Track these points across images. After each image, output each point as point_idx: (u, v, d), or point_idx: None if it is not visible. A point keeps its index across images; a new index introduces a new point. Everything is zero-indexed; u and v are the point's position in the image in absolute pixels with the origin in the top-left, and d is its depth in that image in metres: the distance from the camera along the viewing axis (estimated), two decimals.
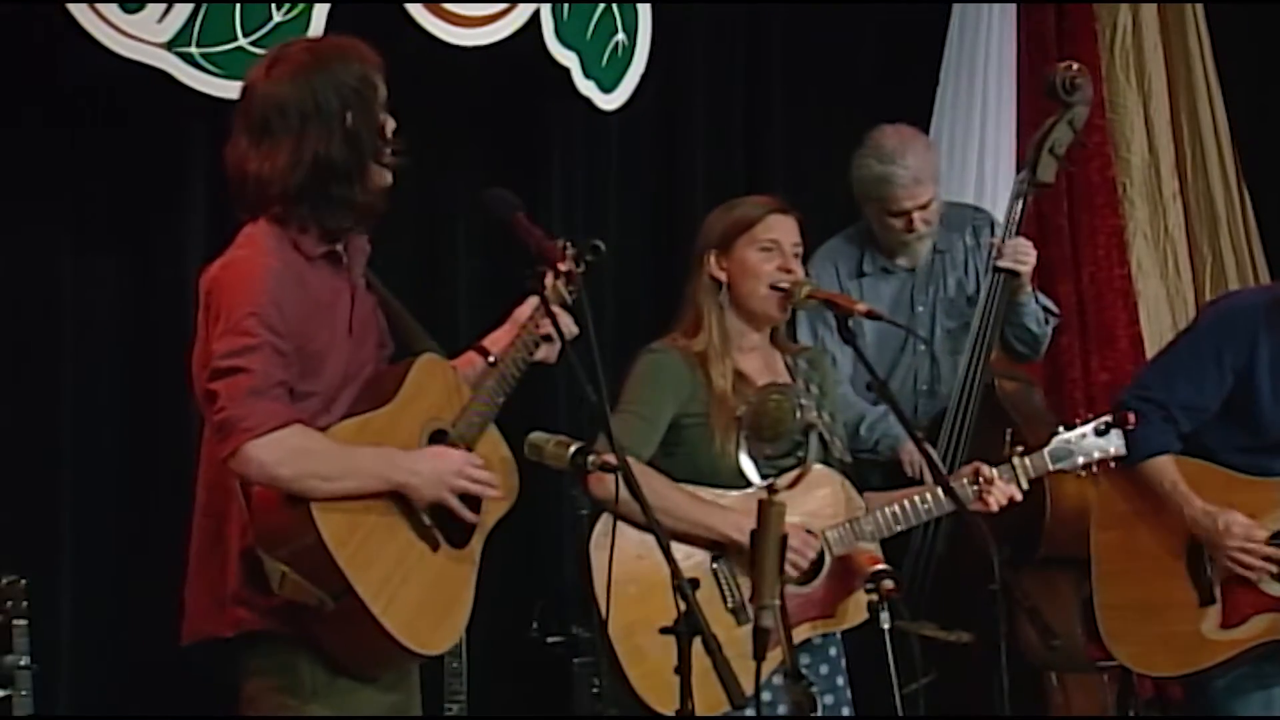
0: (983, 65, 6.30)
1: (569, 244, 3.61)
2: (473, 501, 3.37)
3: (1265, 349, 4.08)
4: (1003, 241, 4.99)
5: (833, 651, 3.98)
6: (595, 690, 4.75)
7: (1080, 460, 3.95)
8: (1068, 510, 4.09)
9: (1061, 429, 3.97)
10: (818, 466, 3.91)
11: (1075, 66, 5.20)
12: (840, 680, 3.99)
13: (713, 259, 4.03)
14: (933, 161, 5.10)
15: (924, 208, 5.05)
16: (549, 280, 3.47)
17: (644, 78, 5.34)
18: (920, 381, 5.08)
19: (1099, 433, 3.91)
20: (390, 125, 3.36)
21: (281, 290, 3.24)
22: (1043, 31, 6.52)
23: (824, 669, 3.96)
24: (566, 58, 5.11)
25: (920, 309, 5.11)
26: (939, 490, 3.87)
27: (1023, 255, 4.98)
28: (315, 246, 3.33)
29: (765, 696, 3.76)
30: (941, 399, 5.02)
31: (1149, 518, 4.13)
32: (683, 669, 3.03)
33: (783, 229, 4.00)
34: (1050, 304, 5.26)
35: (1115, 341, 6.53)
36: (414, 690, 3.48)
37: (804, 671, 3.89)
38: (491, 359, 3.56)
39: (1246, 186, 6.60)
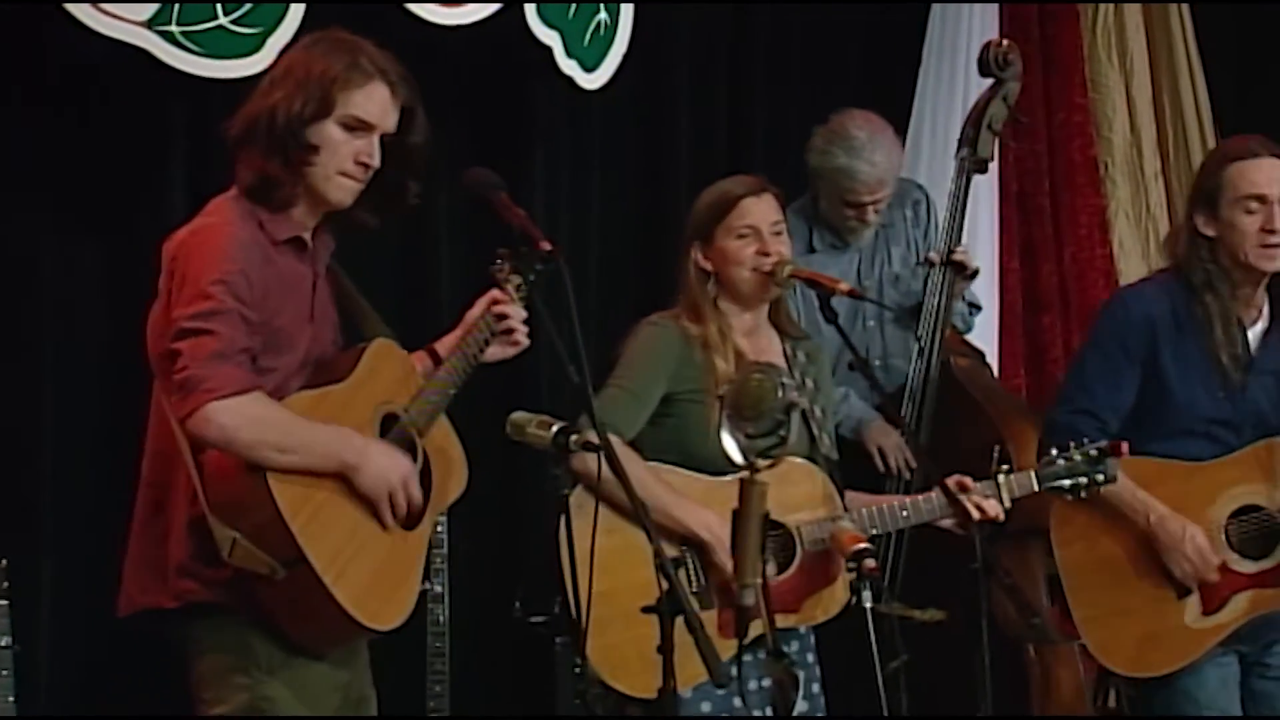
0: (965, 47, 6.29)
1: (518, 251, 3.59)
2: (425, 484, 3.39)
3: (1165, 335, 4.10)
4: (950, 234, 5.00)
5: (802, 629, 3.99)
6: (577, 669, 4.75)
7: (1068, 484, 3.98)
8: None
9: (1054, 451, 3.99)
10: (799, 461, 3.92)
11: (1005, 42, 5.24)
12: (810, 657, 4.01)
13: (698, 250, 4.04)
14: (897, 159, 5.11)
15: (878, 203, 5.06)
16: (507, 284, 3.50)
17: (626, 57, 5.32)
18: (873, 356, 5.11)
19: (1090, 460, 3.94)
20: (367, 156, 3.33)
21: (249, 261, 3.25)
22: (1025, 13, 6.52)
23: (794, 645, 3.97)
24: (548, 37, 5.09)
25: (867, 284, 5.13)
26: (919, 499, 3.89)
27: (970, 255, 5.04)
28: (282, 230, 3.33)
29: (752, 685, 3.79)
30: (895, 372, 5.05)
31: (1109, 525, 4.13)
32: (665, 648, 3.05)
33: (758, 211, 4.00)
34: (976, 298, 5.33)
35: (1081, 341, 6.53)
36: (363, 669, 3.49)
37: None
38: (440, 362, 3.57)
39: None
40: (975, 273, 5.10)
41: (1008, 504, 3.96)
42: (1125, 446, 3.93)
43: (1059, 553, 4.22)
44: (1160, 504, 4.08)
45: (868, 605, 3.65)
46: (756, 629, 3.31)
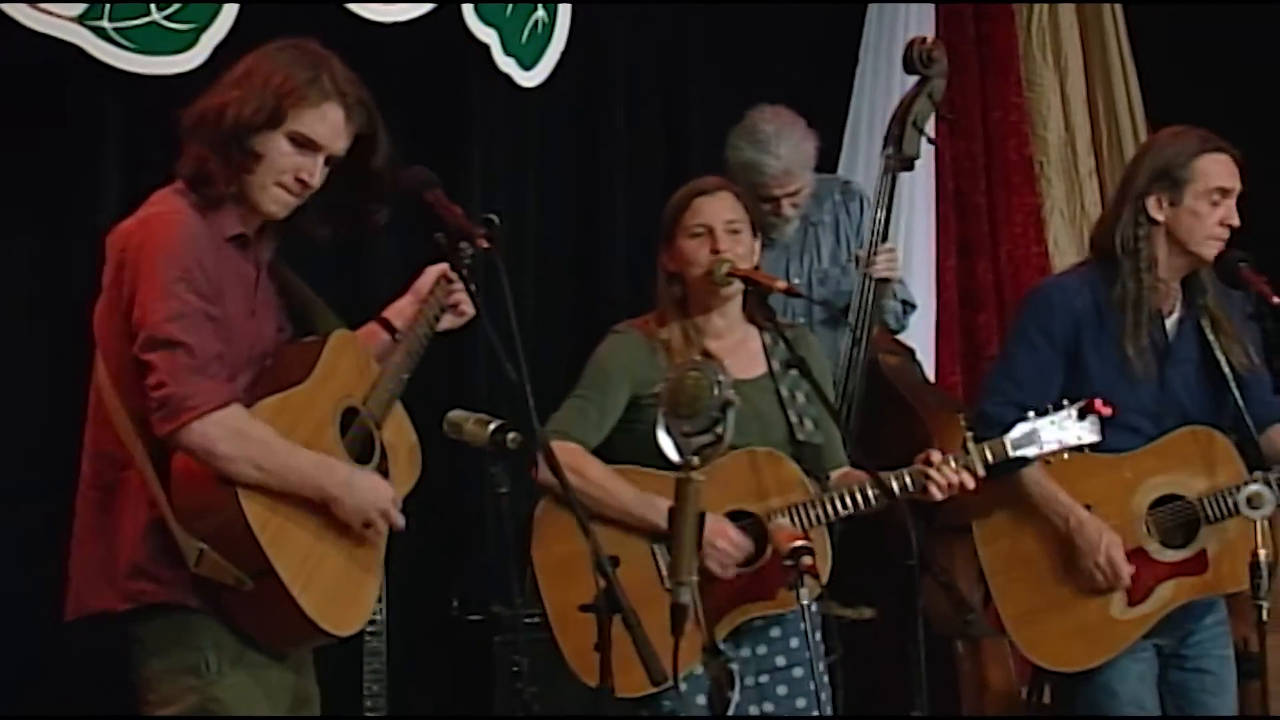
0: (901, 44, 6.30)
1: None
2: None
3: (1086, 324, 4.13)
4: (875, 232, 5.02)
5: (802, 625, 3.98)
6: (515, 669, 4.74)
7: (1045, 448, 3.95)
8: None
9: (1031, 414, 3.97)
10: (761, 449, 3.93)
11: (929, 40, 5.26)
12: (795, 642, 3.99)
13: (663, 253, 4.05)
14: (806, 151, 5.11)
15: (793, 194, 5.08)
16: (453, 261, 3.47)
17: (564, 55, 5.33)
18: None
19: (1072, 420, 3.93)
20: (307, 175, 3.31)
21: (202, 252, 3.24)
22: (960, 12, 6.56)
23: (794, 642, 3.97)
24: (486, 34, 5.09)
25: (796, 280, 5.16)
26: (889, 479, 3.88)
27: (895, 264, 5.04)
28: (228, 228, 3.31)
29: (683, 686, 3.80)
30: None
31: (1032, 521, 4.15)
32: (602, 646, 3.04)
33: (710, 210, 4.00)
34: (910, 296, 5.34)
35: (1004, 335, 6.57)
36: (309, 668, 3.48)
37: (768, 645, 3.95)
38: (397, 335, 3.55)
39: None
40: (891, 280, 5.10)
41: (981, 472, 3.93)
42: (1100, 403, 3.92)
43: (982, 550, 4.23)
44: (1080, 508, 4.11)
45: (805, 602, 3.66)
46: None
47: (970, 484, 3.91)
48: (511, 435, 3.35)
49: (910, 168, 5.20)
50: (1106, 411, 3.92)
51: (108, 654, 3.36)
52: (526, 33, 5.19)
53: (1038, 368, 4.13)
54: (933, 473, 3.87)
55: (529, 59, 5.24)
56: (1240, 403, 4.08)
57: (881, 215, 5.07)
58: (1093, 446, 3.96)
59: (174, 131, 3.36)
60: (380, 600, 4.57)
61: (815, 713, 3.95)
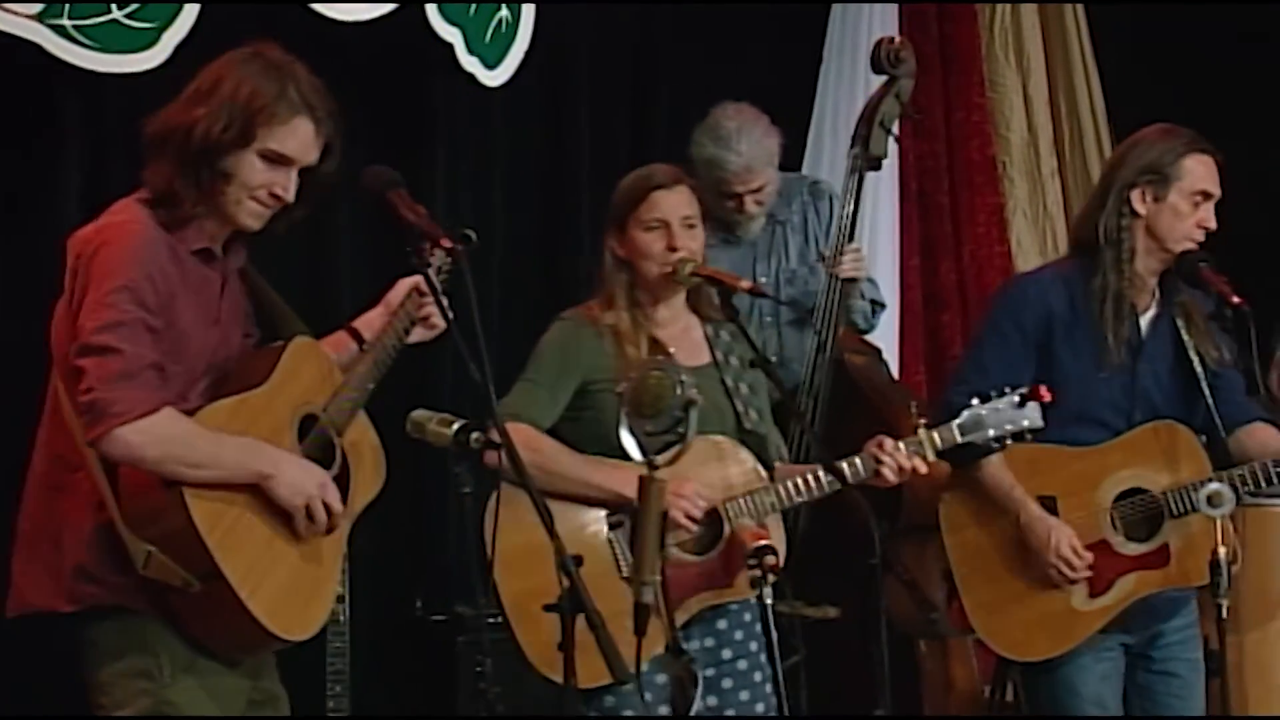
0: (865, 46, 6.32)
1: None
2: (342, 486, 3.37)
3: (1059, 319, 4.15)
4: (842, 232, 5.03)
5: (747, 617, 3.99)
6: (479, 669, 4.74)
7: (992, 433, 3.96)
8: (922, 484, 4.13)
9: (975, 400, 3.99)
10: (718, 438, 3.93)
11: (897, 40, 5.27)
12: (754, 645, 4.00)
13: (613, 238, 4.03)
14: (768, 147, 5.10)
15: (756, 191, 5.08)
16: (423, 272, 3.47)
17: (528, 54, 5.32)
18: (770, 351, 5.14)
19: (1015, 406, 3.95)
20: (281, 189, 3.30)
21: (155, 264, 3.21)
22: (923, 12, 6.58)
23: (738, 634, 3.97)
24: (449, 34, 5.08)
25: (763, 279, 5.16)
26: (841, 465, 3.89)
27: (861, 263, 5.04)
28: (191, 241, 3.30)
29: (662, 679, 3.79)
30: (791, 369, 5.08)
31: (993, 511, 4.18)
32: (566, 645, 3.04)
33: (668, 205, 3.99)
34: (880, 295, 5.35)
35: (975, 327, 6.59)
36: (271, 669, 3.46)
37: (716, 637, 3.94)
38: (364, 346, 3.55)
39: None
40: (858, 280, 5.10)
41: (932, 457, 3.95)
42: (1046, 391, 3.94)
43: (948, 540, 4.25)
44: (1032, 505, 4.13)
45: (768, 601, 3.67)
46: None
47: (923, 469, 3.93)
48: (475, 435, 3.34)
49: (877, 167, 5.22)
50: (1048, 398, 3.94)
51: (51, 652, 3.35)
52: (490, 32, 5.19)
53: (1006, 359, 4.15)
54: (884, 457, 3.88)
55: (493, 58, 5.23)
56: (1210, 401, 4.10)
57: (848, 215, 5.08)
58: (1035, 432, 3.97)
59: (135, 132, 3.34)
60: (344, 601, 4.57)
61: (759, 706, 3.97)
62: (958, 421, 3.96)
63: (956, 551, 4.24)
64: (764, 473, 3.98)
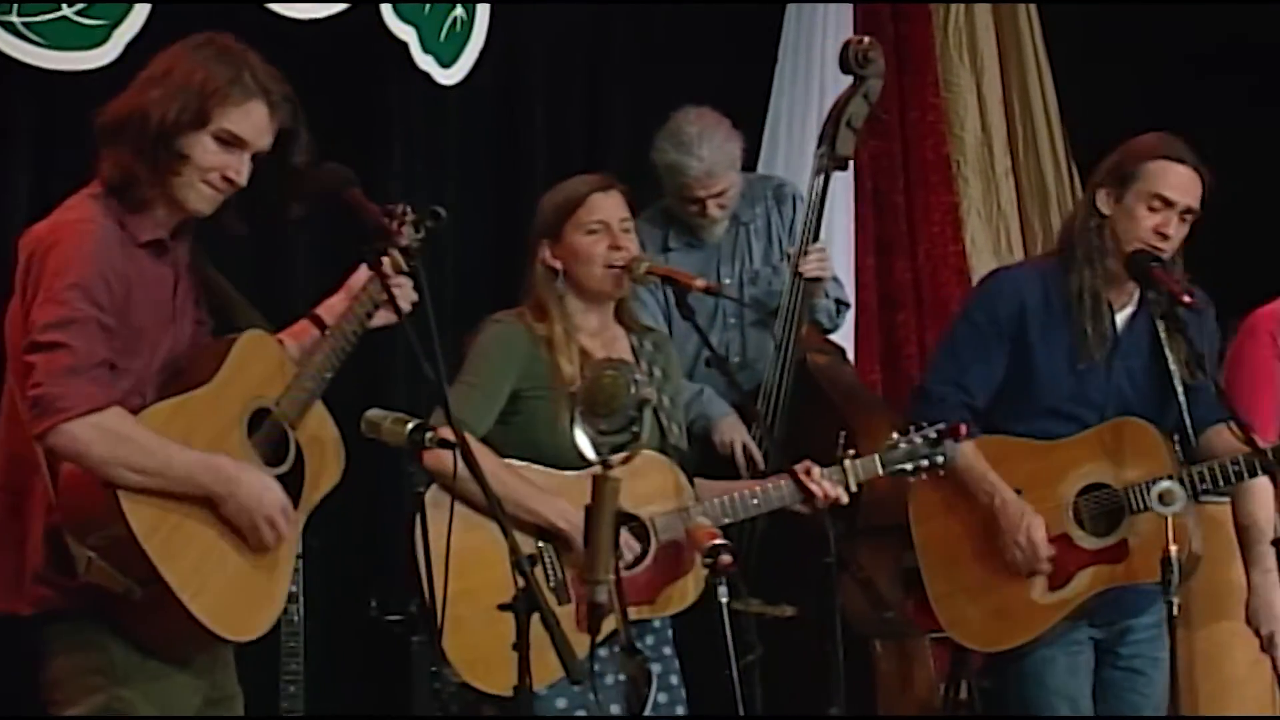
0: (820, 46, 6.35)
1: (409, 209, 3.58)
2: (296, 481, 3.35)
3: (1033, 313, 4.19)
4: (807, 231, 5.04)
5: (656, 622, 4.00)
6: (434, 668, 4.73)
7: (910, 466, 4.00)
8: (881, 481, 4.16)
9: (895, 435, 4.02)
10: (649, 452, 3.92)
11: (866, 40, 5.26)
12: (667, 650, 4.02)
13: (545, 248, 4.02)
14: (730, 151, 5.10)
15: (718, 195, 5.09)
16: (388, 256, 3.44)
17: (483, 53, 5.31)
18: (733, 352, 5.15)
19: (929, 442, 3.98)
20: (234, 172, 3.29)
21: (108, 260, 3.20)
22: (878, 12, 6.59)
23: (650, 639, 3.99)
24: (404, 32, 5.07)
25: (727, 280, 5.16)
26: (767, 485, 3.90)
27: (825, 263, 5.05)
28: (143, 232, 3.28)
29: (609, 679, 3.79)
30: (755, 370, 5.08)
31: (962, 502, 4.21)
32: (521, 645, 3.04)
33: (607, 207, 3.99)
34: (845, 295, 5.35)
35: (950, 317, 6.61)
36: (227, 668, 3.45)
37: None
38: (326, 331, 3.53)
39: (1075, 163, 6.74)
40: (822, 280, 5.12)
41: (854, 487, 3.98)
42: (965, 429, 3.98)
43: (916, 530, 4.28)
44: (1007, 489, 4.16)
45: (724, 600, 3.67)
46: (610, 625, 3.30)
47: (844, 499, 3.95)
48: (430, 435, 3.33)
49: (844, 168, 5.23)
50: (964, 434, 3.99)
51: (15, 655, 3.34)
52: (445, 30, 5.18)
53: (981, 351, 4.20)
54: (809, 484, 3.90)
55: (448, 57, 5.22)
56: (1182, 400, 4.12)
57: (813, 215, 5.08)
58: (946, 466, 4.03)
59: (87, 130, 3.32)
60: (297, 601, 4.55)
61: (679, 708, 3.98)
62: (879, 454, 4.00)
63: (922, 542, 4.27)
64: (691, 490, 3.98)
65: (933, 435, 3.99)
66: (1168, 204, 4.09)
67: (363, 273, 3.56)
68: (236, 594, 3.25)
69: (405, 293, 3.49)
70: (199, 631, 3.17)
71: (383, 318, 3.55)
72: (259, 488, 3.27)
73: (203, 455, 3.22)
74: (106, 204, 3.27)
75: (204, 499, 3.22)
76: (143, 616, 3.17)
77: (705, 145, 5.03)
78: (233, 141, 3.29)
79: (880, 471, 4.00)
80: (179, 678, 3.28)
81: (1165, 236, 4.09)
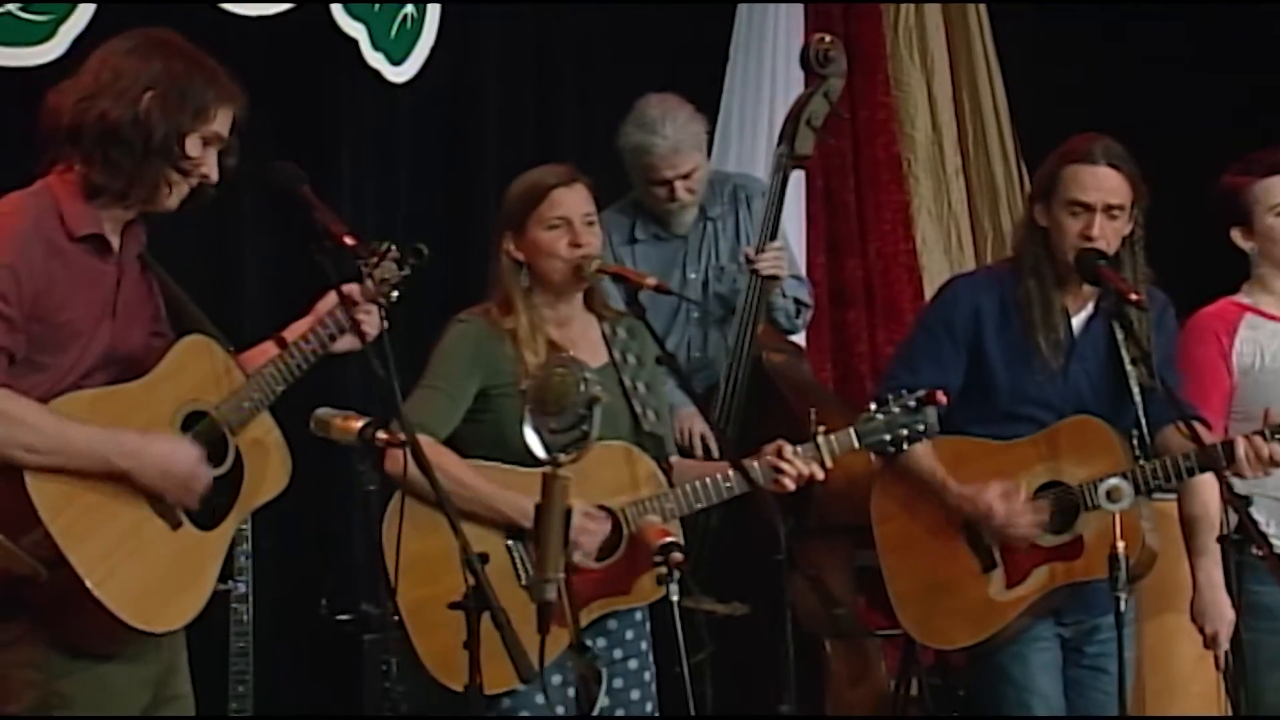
0: (771, 42, 6.37)
1: (392, 246, 3.59)
2: (234, 484, 3.34)
3: (990, 322, 4.21)
4: (765, 230, 5.05)
5: (638, 616, 4.00)
6: (384, 668, 4.72)
7: (888, 438, 3.98)
8: (835, 480, 4.17)
9: (873, 405, 4.01)
10: (614, 443, 3.92)
11: (828, 39, 5.28)
12: (644, 645, 4.02)
13: (509, 240, 4.01)
14: (694, 131, 5.13)
15: (686, 176, 5.09)
16: (362, 285, 3.46)
17: (434, 50, 5.30)
18: (694, 349, 5.16)
19: (909, 410, 3.97)
20: (197, 148, 3.30)
21: (27, 257, 3.18)
22: (829, 10, 6.61)
23: (629, 634, 3.99)
24: (354, 29, 5.06)
25: (692, 275, 5.17)
26: (744, 467, 3.90)
27: (782, 261, 5.07)
28: (82, 225, 3.27)
29: (557, 679, 3.79)
30: (716, 369, 5.09)
31: (920, 501, 4.22)
32: (471, 643, 3.03)
33: (569, 202, 3.98)
34: (805, 296, 5.34)
35: (901, 315, 6.65)
36: (178, 668, 3.42)
37: (607, 637, 3.94)
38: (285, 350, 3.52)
39: (1024, 163, 6.77)
40: (779, 277, 5.13)
41: (829, 463, 3.95)
42: (942, 395, 3.97)
43: (877, 529, 4.29)
44: (954, 484, 4.17)
45: (675, 598, 3.68)
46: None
47: (820, 475, 3.94)
48: (380, 434, 3.32)
49: (803, 166, 5.24)
50: (944, 401, 3.97)
51: None
52: (395, 28, 5.17)
53: (935, 357, 4.21)
54: (783, 464, 3.89)
55: (398, 54, 5.21)
56: (1137, 399, 4.15)
57: (772, 213, 5.09)
58: (929, 434, 4.00)
59: (31, 126, 3.30)
60: (247, 600, 4.53)
61: (649, 705, 3.98)
62: (855, 427, 3.98)
63: (884, 541, 4.28)
64: (663, 478, 3.98)
65: (911, 403, 3.96)
66: (1086, 207, 4.12)
67: (332, 296, 3.56)
68: (153, 582, 3.22)
69: (372, 320, 3.48)
70: (108, 620, 3.14)
71: (347, 343, 3.54)
72: (167, 449, 3.25)
73: (104, 429, 3.20)
74: (43, 201, 3.25)
75: (123, 479, 3.19)
76: (53, 606, 3.14)
77: (669, 124, 5.04)
78: (214, 141, 3.33)
79: (857, 445, 3.96)
80: (116, 666, 3.25)
81: (1091, 239, 4.11)
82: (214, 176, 3.34)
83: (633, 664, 3.98)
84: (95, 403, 3.21)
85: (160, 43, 3.33)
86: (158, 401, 3.29)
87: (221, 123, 3.32)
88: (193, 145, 3.29)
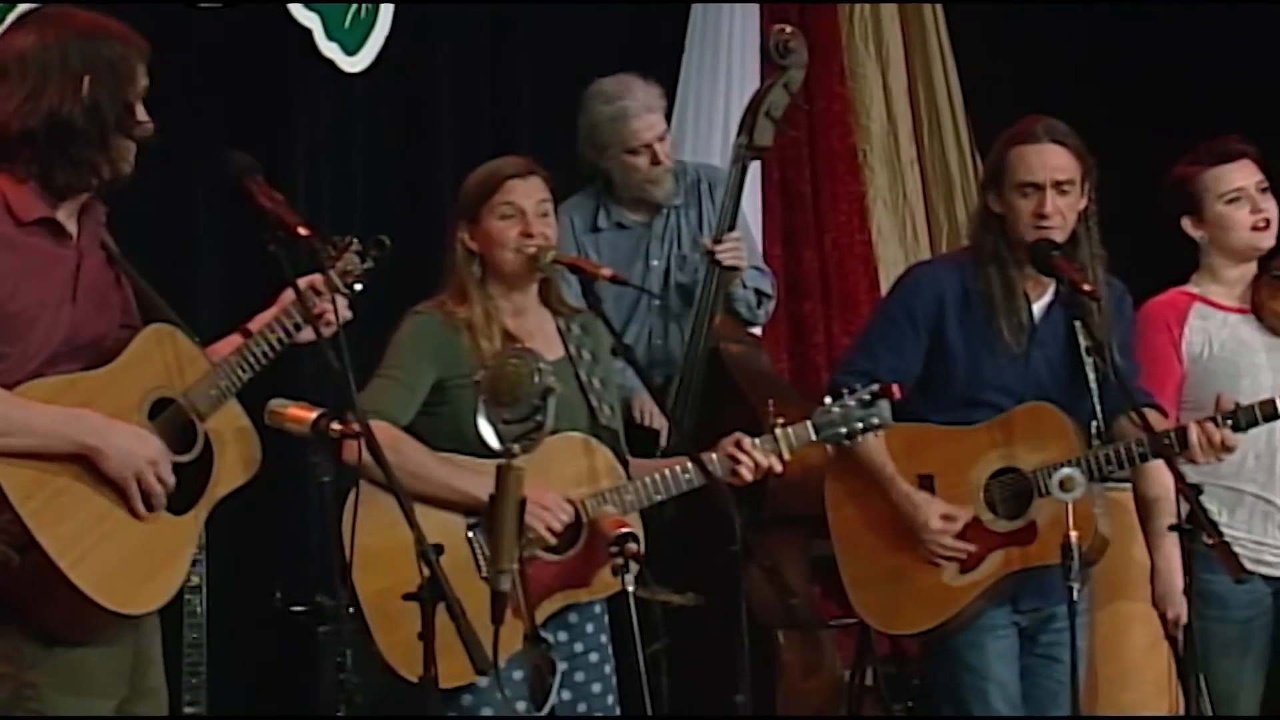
0: (726, 35, 6.37)
1: (354, 240, 3.59)
2: (202, 473, 3.33)
3: (952, 309, 4.23)
4: (723, 220, 5.06)
5: (597, 609, 4.00)
6: (340, 660, 4.71)
7: (844, 430, 3.99)
8: (791, 471, 4.18)
9: (827, 399, 4.02)
10: (574, 434, 3.93)
11: (788, 30, 5.29)
12: (604, 638, 4.01)
13: (464, 230, 4.01)
14: (656, 94, 5.16)
15: (662, 139, 5.09)
16: (324, 275, 3.45)
17: (388, 41, 5.29)
18: (655, 336, 5.17)
19: (864, 404, 3.99)
20: (141, 110, 3.29)
21: None
22: (784, 10, 6.61)
23: (589, 627, 3.98)
24: (308, 19, 5.04)
25: (655, 263, 5.17)
26: (702, 460, 3.90)
27: (741, 252, 5.08)
28: (30, 210, 3.25)
29: (519, 675, 3.79)
30: (676, 355, 5.09)
31: (875, 489, 4.24)
32: (426, 635, 3.03)
33: (523, 192, 3.98)
34: (767, 287, 5.35)
35: (857, 306, 6.67)
36: (153, 660, 3.41)
37: (568, 630, 3.93)
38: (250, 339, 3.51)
39: (979, 153, 6.79)
40: (738, 267, 5.13)
41: (787, 455, 3.97)
42: (897, 389, 3.99)
43: (831, 516, 4.31)
44: (901, 483, 4.19)
45: (630, 589, 3.68)
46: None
47: (778, 467, 3.95)
48: (334, 424, 3.31)
49: (761, 157, 5.25)
50: (898, 395, 3.99)
51: None
52: (350, 18, 5.15)
53: (894, 343, 4.23)
54: (741, 456, 3.90)
55: (353, 44, 5.20)
56: (1093, 387, 4.17)
57: (730, 204, 5.10)
58: (883, 427, 4.02)
59: None
60: (200, 592, 4.51)
61: (610, 699, 3.98)
62: (812, 420, 3.99)
63: (837, 528, 4.30)
64: (622, 470, 3.98)
65: (866, 397, 3.97)
66: (1036, 186, 4.14)
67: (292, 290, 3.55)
68: (126, 565, 3.21)
69: (336, 308, 3.48)
70: (81, 603, 3.13)
71: (311, 334, 3.53)
72: (131, 439, 3.24)
73: (68, 409, 3.19)
74: (43, 193, 3.24)
75: (89, 463, 3.18)
76: (26, 591, 3.13)
77: (633, 91, 5.09)
78: (144, 93, 3.32)
79: (813, 437, 3.98)
80: (88, 655, 3.23)
81: (1045, 216, 4.13)
82: (152, 125, 3.33)
83: (593, 657, 3.98)
84: (60, 389, 3.20)
85: (61, 20, 3.30)
86: (124, 388, 3.28)
87: (143, 73, 3.31)
88: (138, 109, 3.29)
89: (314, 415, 3.30)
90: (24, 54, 3.24)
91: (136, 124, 3.28)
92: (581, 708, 3.93)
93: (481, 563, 3.83)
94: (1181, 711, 4.38)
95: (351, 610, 3.82)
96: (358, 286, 3.58)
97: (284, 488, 4.97)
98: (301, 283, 3.51)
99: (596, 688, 3.97)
